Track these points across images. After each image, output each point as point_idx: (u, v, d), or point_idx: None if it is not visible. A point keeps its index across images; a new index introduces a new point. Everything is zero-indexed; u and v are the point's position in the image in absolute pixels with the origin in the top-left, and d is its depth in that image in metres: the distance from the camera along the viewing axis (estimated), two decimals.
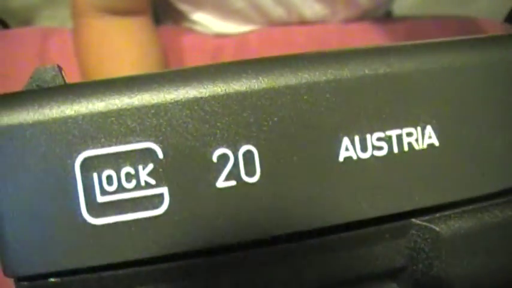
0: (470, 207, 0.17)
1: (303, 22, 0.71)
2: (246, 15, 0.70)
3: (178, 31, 0.72)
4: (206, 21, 0.71)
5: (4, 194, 0.14)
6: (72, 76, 0.78)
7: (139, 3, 0.66)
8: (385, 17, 0.77)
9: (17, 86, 0.64)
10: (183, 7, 0.70)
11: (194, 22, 0.72)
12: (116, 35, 0.64)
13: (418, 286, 0.17)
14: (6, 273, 0.15)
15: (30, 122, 0.14)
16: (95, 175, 0.15)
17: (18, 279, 0.15)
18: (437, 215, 0.17)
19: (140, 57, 0.64)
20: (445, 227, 0.16)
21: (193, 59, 0.70)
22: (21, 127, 0.14)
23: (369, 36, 0.70)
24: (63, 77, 0.17)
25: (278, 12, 0.70)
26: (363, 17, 0.72)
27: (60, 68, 0.17)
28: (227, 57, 0.70)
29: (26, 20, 0.91)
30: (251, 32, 0.71)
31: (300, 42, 0.70)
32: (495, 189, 0.17)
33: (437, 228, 0.16)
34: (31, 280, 0.15)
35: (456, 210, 0.17)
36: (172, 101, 0.15)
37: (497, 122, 0.16)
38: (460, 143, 0.16)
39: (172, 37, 0.71)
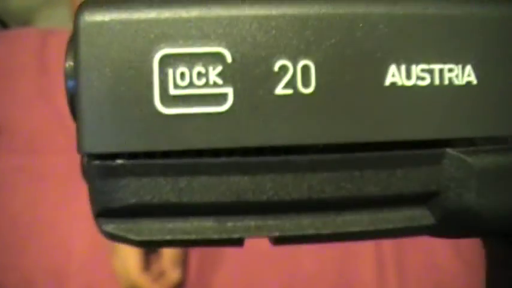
0: (504, 145, 0.18)
1: None
2: None
3: None
4: None
5: (89, 81, 0.17)
6: None
7: None
8: None
9: (17, 86, 0.64)
10: None
11: None
12: None
13: (448, 213, 0.18)
14: (79, 151, 0.17)
15: (119, 19, 0.17)
16: (171, 70, 0.16)
17: (90, 157, 0.17)
18: (471, 148, 0.18)
19: None
20: (477, 160, 0.18)
21: None
22: (112, 23, 0.17)
23: None
24: None
25: None
26: None
27: None
28: None
29: (26, 20, 0.91)
30: None
31: None
32: None
33: (469, 160, 0.18)
34: (102, 159, 0.17)
35: (489, 146, 0.18)
36: (245, 14, 0.17)
37: None
38: (497, 84, 0.18)
39: None
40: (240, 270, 0.59)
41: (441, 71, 0.17)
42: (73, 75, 0.17)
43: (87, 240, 0.61)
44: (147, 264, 0.57)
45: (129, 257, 0.56)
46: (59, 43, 0.76)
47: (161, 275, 0.58)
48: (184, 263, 0.59)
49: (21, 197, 0.63)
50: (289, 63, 0.17)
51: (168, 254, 0.57)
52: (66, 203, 0.63)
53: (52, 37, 0.71)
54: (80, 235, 0.62)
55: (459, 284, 0.59)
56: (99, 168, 0.17)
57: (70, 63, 0.18)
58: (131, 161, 0.17)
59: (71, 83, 0.18)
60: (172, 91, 0.16)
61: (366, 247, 0.60)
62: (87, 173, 0.18)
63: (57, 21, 0.89)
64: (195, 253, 0.61)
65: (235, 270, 0.59)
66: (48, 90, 0.68)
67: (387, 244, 0.59)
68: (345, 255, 0.59)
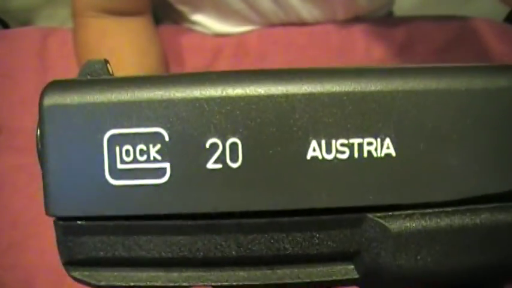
0: (419, 211, 0.20)
1: (303, 23, 0.71)
2: (245, 16, 0.70)
3: (178, 31, 0.72)
4: (206, 21, 0.71)
5: (52, 154, 0.20)
6: (72, 76, 0.77)
7: (139, 3, 0.66)
8: (385, 18, 0.77)
9: (17, 86, 0.64)
10: (183, 8, 0.70)
11: (194, 23, 0.72)
12: (115, 35, 0.64)
13: (369, 270, 0.20)
14: (47, 213, 0.20)
15: (75, 103, 0.19)
16: (117, 148, 0.19)
17: (57, 219, 0.20)
18: (390, 213, 0.20)
19: (140, 57, 0.64)
20: (394, 224, 0.20)
21: (193, 59, 0.70)
22: (69, 107, 0.20)
23: (369, 36, 0.70)
24: (108, 69, 0.22)
25: (277, 14, 0.69)
26: (363, 18, 0.72)
27: (107, 62, 0.23)
28: (227, 57, 0.70)
29: (26, 20, 0.91)
30: (251, 32, 0.71)
31: (300, 42, 0.70)
32: (443, 198, 0.19)
33: (386, 224, 0.20)
34: (65, 220, 0.20)
35: (405, 212, 0.20)
36: (179, 97, 0.19)
37: (450, 140, 0.19)
38: (413, 155, 0.19)
39: (172, 37, 0.71)
40: None
41: (360, 145, 0.19)
42: (40, 145, 0.20)
43: None
44: None
45: None
46: (59, 43, 0.77)
47: None
48: None
49: (22, 196, 0.63)
50: (218, 141, 0.19)
51: None
52: None
53: (52, 37, 0.71)
54: None
55: None
56: (63, 227, 0.20)
57: (37, 134, 0.21)
58: (88, 223, 0.20)
59: (39, 148, 0.21)
60: (120, 165, 0.19)
61: None
62: (54, 229, 0.21)
63: (57, 21, 0.89)
64: None
65: None
66: None
67: None
68: None
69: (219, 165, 0.19)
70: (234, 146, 0.19)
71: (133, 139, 0.19)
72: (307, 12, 0.69)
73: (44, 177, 0.20)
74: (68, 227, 0.20)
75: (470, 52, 0.70)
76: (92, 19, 0.63)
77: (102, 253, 0.20)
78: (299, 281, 0.20)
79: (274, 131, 0.19)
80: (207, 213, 0.20)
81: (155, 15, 0.70)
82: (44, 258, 0.61)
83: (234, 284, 0.20)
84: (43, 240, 0.61)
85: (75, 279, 0.21)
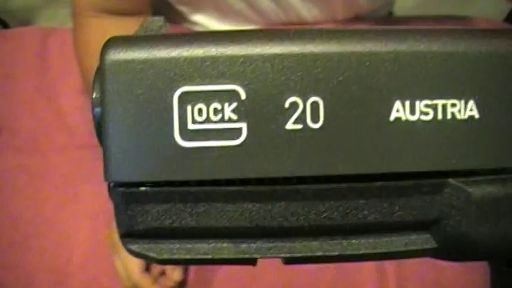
0: (502, 176, 0.19)
1: (303, 23, 0.71)
2: (246, 16, 0.70)
3: (178, 31, 0.72)
4: (206, 22, 0.71)
5: (114, 115, 0.18)
6: (72, 76, 0.77)
7: (139, 3, 0.66)
8: (385, 18, 0.77)
9: (17, 86, 0.64)
10: (183, 8, 0.70)
11: (194, 23, 0.72)
12: (115, 35, 0.64)
13: (448, 239, 0.19)
14: (106, 179, 0.19)
15: (142, 59, 0.18)
16: (189, 107, 0.18)
17: (115, 185, 0.19)
18: (472, 178, 0.19)
19: None
20: (477, 189, 0.19)
21: None
22: (135, 62, 0.18)
23: None
24: (168, 27, 0.21)
25: (277, 14, 0.69)
26: (363, 18, 0.72)
27: (165, 20, 0.21)
28: None
29: (26, 20, 0.91)
30: None
31: None
32: None
33: (469, 190, 0.19)
34: (127, 187, 0.19)
35: (488, 177, 0.19)
36: (259, 54, 0.18)
37: None
38: (496, 118, 0.19)
39: None
40: (239, 270, 0.59)
41: (444, 106, 0.18)
42: (98, 105, 0.19)
43: (87, 239, 0.61)
44: (148, 264, 0.57)
45: (130, 258, 0.56)
46: (60, 42, 0.76)
47: (162, 275, 0.58)
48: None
49: (22, 196, 0.63)
50: (299, 100, 0.18)
51: None
52: (67, 202, 0.63)
53: (53, 36, 0.71)
54: (80, 234, 0.62)
55: (459, 284, 0.59)
56: (124, 194, 0.19)
57: (97, 95, 0.19)
58: (153, 189, 0.19)
59: (97, 111, 0.19)
60: (191, 126, 0.18)
61: None
62: (112, 197, 0.19)
63: (57, 21, 0.89)
64: None
65: (235, 270, 0.59)
66: (48, 89, 0.68)
67: None
68: None
69: (299, 126, 0.18)
70: (315, 105, 0.18)
71: (207, 97, 0.18)
72: (307, 11, 0.69)
73: (104, 140, 0.18)
74: (130, 194, 0.19)
75: None
76: (92, 19, 0.63)
77: (166, 223, 0.19)
78: (375, 251, 0.19)
79: (357, 91, 0.18)
80: (284, 178, 0.18)
81: (155, 15, 0.70)
82: (44, 258, 0.61)
83: (308, 255, 0.19)
84: (43, 240, 0.61)
85: (132, 253, 0.20)
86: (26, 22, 0.91)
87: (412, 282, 0.59)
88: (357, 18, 0.72)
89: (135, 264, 0.56)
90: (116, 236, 0.56)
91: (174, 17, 0.73)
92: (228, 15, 0.70)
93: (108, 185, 0.19)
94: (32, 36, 0.72)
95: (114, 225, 0.64)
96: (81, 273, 0.60)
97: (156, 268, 0.58)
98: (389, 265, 0.58)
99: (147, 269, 0.57)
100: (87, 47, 0.63)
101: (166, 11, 0.72)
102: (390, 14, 0.80)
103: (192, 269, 0.60)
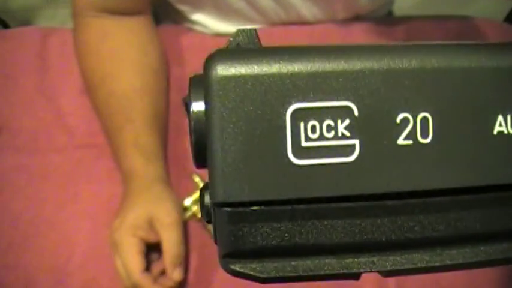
0: None
1: (303, 22, 0.71)
2: (246, 15, 0.70)
3: (178, 31, 0.72)
4: (206, 21, 0.71)
5: (223, 133, 0.18)
6: (72, 76, 0.77)
7: (139, 3, 0.66)
8: (385, 17, 0.77)
9: (17, 86, 0.64)
10: (183, 8, 0.70)
11: (194, 22, 0.72)
12: (115, 35, 0.64)
13: None
14: (214, 200, 0.18)
15: (252, 74, 0.18)
16: (302, 124, 0.18)
17: (220, 205, 0.18)
18: None
19: (140, 57, 0.64)
20: None
21: (193, 59, 0.70)
22: (245, 77, 0.18)
23: (369, 36, 0.70)
24: (259, 40, 0.20)
25: (277, 13, 0.69)
26: (363, 17, 0.72)
27: (255, 31, 0.20)
28: None
29: (26, 20, 0.91)
30: None
31: (301, 42, 0.70)
32: None
33: None
34: (233, 206, 0.18)
35: None
36: (370, 69, 0.18)
37: None
38: None
39: (172, 37, 0.71)
40: None
41: None
42: (201, 120, 0.18)
43: (87, 239, 0.61)
44: (148, 264, 0.57)
45: (130, 258, 0.56)
46: (60, 42, 0.76)
47: (162, 275, 0.58)
48: (184, 263, 0.59)
49: (22, 196, 0.63)
50: (409, 115, 0.18)
51: (169, 254, 0.57)
52: (67, 202, 0.63)
53: (53, 36, 0.71)
54: (80, 234, 0.62)
55: (459, 285, 0.59)
56: (231, 214, 0.18)
57: (198, 109, 0.19)
58: (265, 208, 0.18)
59: (199, 126, 0.19)
60: (304, 143, 0.18)
61: None
62: (216, 217, 0.19)
63: (57, 21, 0.89)
64: (195, 253, 0.61)
65: None
66: (48, 89, 0.68)
67: None
68: None
69: (410, 141, 0.18)
70: (424, 120, 0.18)
71: (320, 114, 0.18)
72: (306, 10, 0.69)
73: (210, 158, 0.18)
74: (238, 214, 0.18)
75: None
76: (92, 19, 0.63)
77: (275, 242, 0.19)
78: (473, 260, 0.20)
79: (463, 105, 0.18)
80: (395, 192, 0.19)
81: (155, 15, 0.70)
82: (44, 258, 0.61)
83: (410, 267, 0.20)
84: (43, 240, 0.61)
85: (234, 273, 0.19)
86: (26, 22, 0.91)
87: (412, 282, 0.59)
88: (357, 18, 0.72)
89: (135, 264, 0.56)
90: (116, 235, 0.56)
91: (174, 16, 0.73)
92: (228, 14, 0.69)
93: (213, 205, 0.19)
94: (32, 36, 0.72)
95: (114, 224, 0.64)
96: (81, 273, 0.60)
97: (156, 268, 0.58)
98: None
99: (147, 268, 0.57)
100: (87, 46, 0.63)
101: (166, 11, 0.72)
102: (390, 13, 0.80)
103: (192, 268, 0.60)
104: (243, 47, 0.19)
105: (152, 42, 0.66)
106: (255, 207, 0.18)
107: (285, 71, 0.18)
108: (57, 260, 0.61)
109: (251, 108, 0.18)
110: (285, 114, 0.18)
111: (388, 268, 0.20)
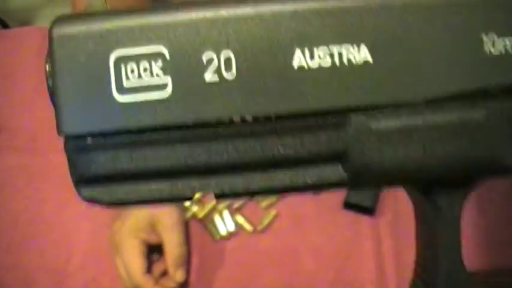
0: (396, 110, 0.22)
1: None
2: None
3: None
4: None
5: (63, 79, 0.21)
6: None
7: (139, 3, 0.66)
8: None
9: (17, 86, 0.64)
10: None
11: None
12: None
13: (355, 169, 0.22)
14: (59, 133, 0.22)
15: (82, 31, 0.21)
16: (123, 68, 0.21)
17: (67, 137, 0.22)
18: (372, 112, 0.22)
19: None
20: (375, 123, 0.22)
21: None
22: (76, 34, 0.21)
23: None
24: (107, 6, 0.25)
25: None
26: None
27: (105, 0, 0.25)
28: None
29: (26, 20, 0.91)
30: None
31: None
32: (416, 98, 0.22)
33: (368, 123, 0.22)
34: (75, 139, 0.22)
35: (384, 111, 0.22)
36: (177, 18, 0.21)
37: (421, 47, 0.22)
38: (388, 61, 0.22)
39: None
40: (240, 270, 0.59)
41: (340, 53, 0.21)
42: (51, 77, 0.22)
43: (87, 239, 0.61)
44: (149, 265, 0.57)
45: (132, 259, 0.56)
46: None
47: (163, 276, 0.58)
48: (186, 264, 0.59)
49: (22, 196, 0.63)
50: (214, 55, 0.21)
51: (171, 255, 0.57)
52: (67, 202, 0.63)
53: None
54: (80, 234, 0.62)
55: None
56: (74, 146, 0.22)
57: (49, 68, 0.22)
58: (98, 139, 0.22)
59: (50, 81, 0.22)
60: (125, 83, 0.21)
61: (365, 246, 0.60)
62: (66, 151, 0.22)
63: None
64: (196, 253, 0.61)
65: (236, 270, 0.59)
66: None
67: (387, 242, 0.59)
68: (344, 253, 0.59)
69: (216, 77, 0.21)
70: (228, 58, 0.21)
71: (137, 59, 0.21)
72: None
73: (55, 100, 0.21)
74: (78, 145, 0.22)
75: None
76: None
77: (111, 168, 0.22)
78: (293, 184, 0.22)
79: (263, 44, 0.21)
80: (208, 122, 0.21)
81: None
82: (44, 258, 0.61)
83: (234, 191, 0.22)
84: (43, 240, 0.61)
85: (86, 199, 0.22)
86: (26, 22, 0.90)
87: None
88: None
89: (136, 265, 0.56)
90: (117, 237, 0.56)
91: None
92: None
93: (64, 141, 0.22)
94: (32, 35, 0.72)
95: (115, 226, 0.64)
96: (81, 273, 0.60)
97: (158, 269, 0.58)
98: (389, 265, 0.58)
99: (149, 269, 0.57)
100: None
101: None
102: None
103: (194, 269, 0.60)
104: (80, 12, 0.24)
105: None
106: (89, 139, 0.22)
107: (109, 26, 0.21)
108: (57, 261, 0.61)
109: (83, 58, 0.21)
110: (108, 61, 0.21)
111: (215, 191, 0.22)
